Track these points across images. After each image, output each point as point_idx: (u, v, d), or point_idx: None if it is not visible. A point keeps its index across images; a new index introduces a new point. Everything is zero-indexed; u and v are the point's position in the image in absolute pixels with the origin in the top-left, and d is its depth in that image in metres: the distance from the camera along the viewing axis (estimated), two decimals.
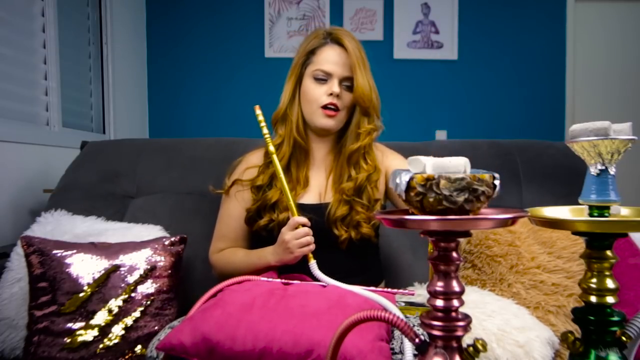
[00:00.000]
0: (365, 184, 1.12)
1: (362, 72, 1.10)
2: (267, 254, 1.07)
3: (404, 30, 2.93)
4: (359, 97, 1.10)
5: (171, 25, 2.96)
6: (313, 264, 1.00)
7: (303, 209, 1.09)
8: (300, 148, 1.15)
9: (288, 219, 1.06)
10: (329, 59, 1.11)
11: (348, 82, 1.12)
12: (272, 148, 1.07)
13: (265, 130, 1.08)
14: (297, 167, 1.15)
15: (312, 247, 1.01)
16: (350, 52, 1.11)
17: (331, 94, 1.10)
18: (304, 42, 1.16)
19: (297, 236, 1.01)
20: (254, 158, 1.20)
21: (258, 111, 1.09)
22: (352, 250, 1.10)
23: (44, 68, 1.85)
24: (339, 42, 1.13)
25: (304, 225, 1.02)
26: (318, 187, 1.16)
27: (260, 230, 1.12)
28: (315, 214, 1.08)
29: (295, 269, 1.05)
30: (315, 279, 0.99)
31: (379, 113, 1.15)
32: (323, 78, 1.11)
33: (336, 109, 1.11)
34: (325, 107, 1.11)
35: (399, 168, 0.49)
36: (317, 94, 1.11)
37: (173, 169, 1.50)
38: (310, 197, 1.15)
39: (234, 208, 1.17)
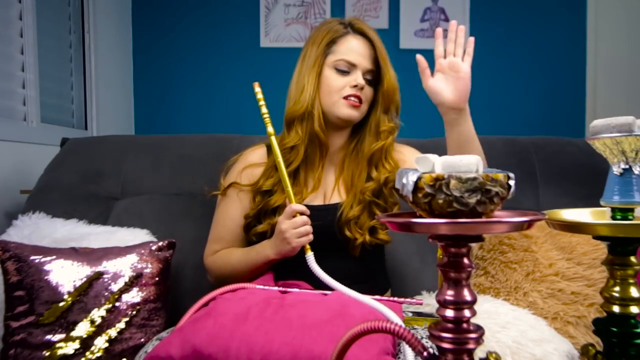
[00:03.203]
0: (383, 185, 1.14)
1: (389, 67, 1.14)
2: (266, 248, 1.08)
3: (411, 18, 2.92)
4: (388, 94, 1.14)
5: (159, 13, 2.96)
6: (310, 256, 1.01)
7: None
8: (319, 145, 1.15)
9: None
10: (354, 49, 1.13)
11: (369, 76, 1.14)
12: (270, 129, 1.09)
13: (264, 110, 1.10)
14: (309, 168, 1.16)
15: (311, 237, 1.03)
16: (377, 44, 1.14)
17: (355, 86, 1.11)
18: (319, 33, 1.16)
19: (295, 225, 1.02)
20: (253, 156, 1.20)
21: (257, 88, 1.11)
22: (358, 256, 1.11)
23: (21, 59, 1.85)
24: (361, 33, 1.15)
25: (302, 214, 1.03)
26: (324, 187, 1.17)
27: (257, 236, 1.13)
28: (321, 216, 1.09)
29: (293, 269, 1.05)
30: (314, 285, 1.00)
31: (399, 110, 1.19)
32: (345, 70, 1.12)
33: (360, 101, 1.13)
34: (347, 97, 1.12)
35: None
36: (340, 84, 1.12)
37: (161, 168, 1.50)
38: (315, 198, 1.15)
39: (232, 209, 1.17)
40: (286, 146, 1.12)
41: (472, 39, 1.07)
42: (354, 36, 1.15)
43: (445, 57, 1.05)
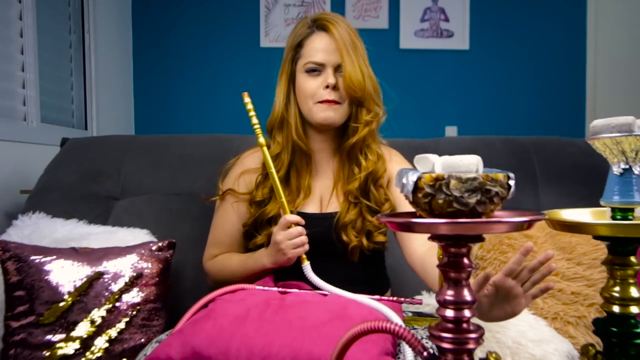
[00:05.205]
0: (369, 183, 1.12)
1: (350, 57, 1.07)
2: (263, 257, 1.07)
3: (411, 18, 2.93)
4: (348, 86, 1.07)
5: (159, 13, 2.96)
6: (307, 266, 1.01)
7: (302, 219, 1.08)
8: (301, 152, 1.13)
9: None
10: (318, 47, 1.10)
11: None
12: (262, 140, 1.08)
13: (254, 120, 1.08)
14: (298, 175, 1.14)
15: (306, 247, 1.02)
16: (335, 36, 1.08)
17: (327, 87, 1.08)
18: (289, 37, 1.15)
19: (290, 236, 1.01)
20: (251, 160, 1.19)
21: (247, 99, 1.09)
22: (357, 261, 1.10)
23: (21, 59, 1.85)
24: (324, 28, 1.11)
25: (297, 224, 1.03)
26: (320, 195, 1.16)
27: (256, 247, 1.13)
28: (317, 224, 1.08)
29: (292, 271, 1.05)
30: (314, 286, 0.99)
31: (378, 101, 1.13)
32: (315, 69, 1.09)
33: (337, 102, 1.09)
34: (321, 102, 1.09)
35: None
36: (312, 88, 1.09)
37: (161, 168, 1.50)
38: (310, 206, 1.14)
39: (230, 214, 1.17)
40: (271, 155, 1.11)
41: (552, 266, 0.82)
42: (317, 34, 1.11)
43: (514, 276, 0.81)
